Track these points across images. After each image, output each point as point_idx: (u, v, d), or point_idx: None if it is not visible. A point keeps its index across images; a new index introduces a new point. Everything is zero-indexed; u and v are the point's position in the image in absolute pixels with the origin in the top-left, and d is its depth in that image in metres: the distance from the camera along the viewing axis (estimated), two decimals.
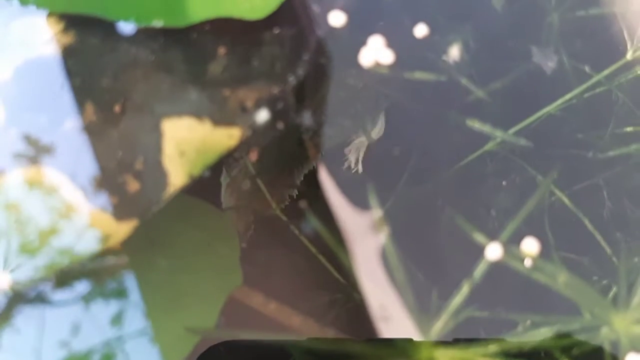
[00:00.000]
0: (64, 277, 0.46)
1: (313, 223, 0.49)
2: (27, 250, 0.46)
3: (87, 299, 0.47)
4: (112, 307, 0.47)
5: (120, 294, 0.48)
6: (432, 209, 0.52)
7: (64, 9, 0.48)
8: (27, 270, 0.46)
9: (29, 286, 0.46)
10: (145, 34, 0.48)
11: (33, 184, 0.46)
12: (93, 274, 0.47)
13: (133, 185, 0.46)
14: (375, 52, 0.49)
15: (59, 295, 0.46)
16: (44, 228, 0.46)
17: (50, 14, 0.48)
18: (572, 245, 0.52)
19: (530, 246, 0.49)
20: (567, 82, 0.53)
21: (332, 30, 0.50)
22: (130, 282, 0.48)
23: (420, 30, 0.50)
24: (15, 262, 0.46)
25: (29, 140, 0.47)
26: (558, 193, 0.52)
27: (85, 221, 0.46)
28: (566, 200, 0.52)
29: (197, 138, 0.47)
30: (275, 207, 0.50)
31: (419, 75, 0.50)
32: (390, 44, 0.49)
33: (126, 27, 0.48)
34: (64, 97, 0.48)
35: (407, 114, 0.51)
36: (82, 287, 0.46)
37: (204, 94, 0.48)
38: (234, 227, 0.50)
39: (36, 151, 0.47)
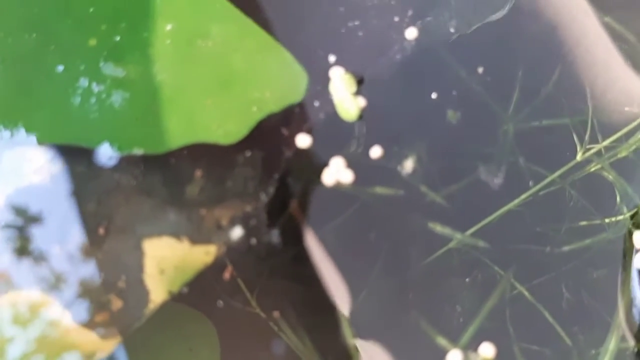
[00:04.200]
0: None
1: (288, 337, 0.49)
2: None
3: None
4: None
5: None
6: (402, 302, 0.52)
7: (52, 140, 0.49)
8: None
9: None
10: (126, 161, 0.49)
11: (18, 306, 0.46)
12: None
13: (116, 303, 0.46)
14: (337, 172, 0.50)
15: None
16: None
17: (39, 145, 0.49)
18: (533, 337, 0.52)
19: (487, 351, 0.49)
20: (523, 182, 0.53)
21: (299, 151, 0.50)
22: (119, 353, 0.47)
23: (376, 152, 0.51)
24: None
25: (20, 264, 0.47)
26: (519, 287, 0.52)
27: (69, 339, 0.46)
28: (527, 294, 0.52)
29: (176, 256, 0.48)
30: (255, 306, 0.50)
31: (379, 190, 0.51)
32: (350, 164, 0.50)
33: (109, 155, 0.49)
34: (52, 222, 0.48)
35: (373, 217, 0.52)
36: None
37: (182, 214, 0.48)
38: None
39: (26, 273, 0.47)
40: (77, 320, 0.46)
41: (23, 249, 0.48)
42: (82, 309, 0.47)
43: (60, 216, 0.48)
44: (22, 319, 0.46)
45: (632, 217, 0.52)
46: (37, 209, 0.48)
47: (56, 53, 0.51)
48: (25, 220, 0.48)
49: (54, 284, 0.47)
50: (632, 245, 0.51)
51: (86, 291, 0.47)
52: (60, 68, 0.51)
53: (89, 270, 0.47)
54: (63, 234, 0.48)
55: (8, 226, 0.48)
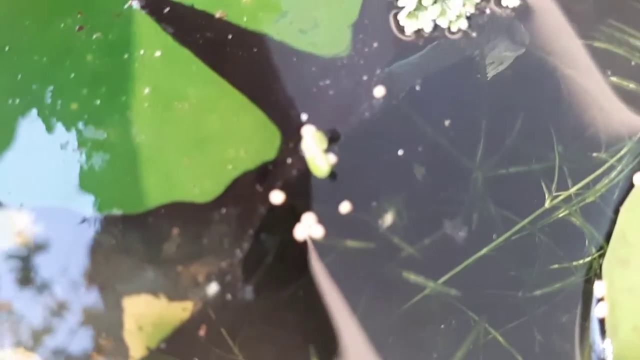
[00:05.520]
0: None
1: None
2: None
3: None
4: None
5: None
6: (379, 350, 0.52)
7: (34, 202, 0.50)
8: None
9: None
10: (106, 221, 0.50)
11: None
12: None
13: None
14: (308, 228, 0.51)
15: None
16: None
17: (21, 207, 0.50)
18: None
19: None
20: (494, 229, 0.54)
21: (273, 207, 0.51)
22: None
23: (345, 207, 0.52)
24: None
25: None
26: (493, 332, 0.53)
27: None
28: (500, 339, 0.52)
29: (154, 313, 0.49)
30: (237, 353, 0.51)
31: (350, 243, 0.52)
32: (321, 219, 0.51)
33: (89, 216, 0.50)
34: (36, 281, 0.49)
35: (347, 268, 0.52)
36: None
37: (159, 271, 0.49)
38: None
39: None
40: None
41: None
42: None
43: (44, 275, 0.49)
44: None
45: (599, 257, 0.53)
46: (20, 270, 0.49)
47: (39, 117, 0.52)
48: (12, 276, 0.49)
49: (36, 339, 0.48)
50: (592, 292, 0.52)
51: (67, 348, 0.48)
52: (43, 131, 0.52)
53: (70, 326, 0.48)
54: (45, 291, 0.49)
55: None
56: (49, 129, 0.52)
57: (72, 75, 0.53)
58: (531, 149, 0.55)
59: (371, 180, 0.53)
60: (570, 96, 0.57)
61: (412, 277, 0.53)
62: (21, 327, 0.48)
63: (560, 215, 0.55)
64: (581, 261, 0.53)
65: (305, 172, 0.53)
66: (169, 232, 0.50)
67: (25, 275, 0.49)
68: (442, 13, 0.55)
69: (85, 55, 0.53)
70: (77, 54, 0.54)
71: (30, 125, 0.52)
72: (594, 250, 0.53)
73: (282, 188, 0.52)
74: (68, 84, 0.53)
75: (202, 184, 0.51)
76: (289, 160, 0.53)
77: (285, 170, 0.53)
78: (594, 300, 0.52)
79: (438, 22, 0.56)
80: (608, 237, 0.53)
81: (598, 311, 0.51)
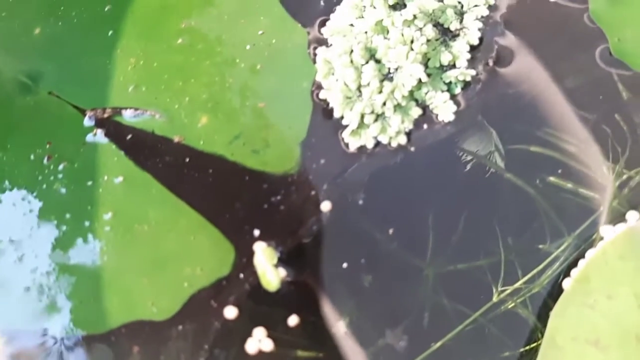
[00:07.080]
0: None
1: None
2: None
3: None
4: None
5: None
6: None
7: (8, 325, 0.53)
8: None
9: None
10: (71, 341, 0.53)
11: None
12: None
13: None
14: (259, 342, 0.53)
15: None
16: None
17: None
18: None
19: None
20: (447, 322, 0.56)
21: (227, 322, 0.54)
22: None
23: (293, 320, 0.54)
24: None
25: None
26: None
27: None
28: None
29: None
30: None
31: (301, 353, 0.54)
32: (271, 332, 0.54)
33: (56, 336, 0.53)
34: None
35: None
36: None
37: None
38: None
39: None
40: None
41: None
42: None
43: None
44: None
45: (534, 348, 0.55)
46: None
47: (11, 244, 0.56)
48: None
49: None
50: None
51: None
52: (14, 257, 0.55)
53: None
54: None
55: None
56: (20, 254, 0.56)
57: (41, 204, 0.57)
58: (478, 245, 0.58)
59: (321, 291, 0.56)
60: (511, 197, 0.59)
61: None
62: None
63: (509, 306, 0.57)
64: (527, 347, 0.55)
65: (257, 286, 0.55)
66: (129, 350, 0.53)
67: None
68: (383, 130, 0.59)
69: (52, 184, 0.57)
70: (46, 183, 0.57)
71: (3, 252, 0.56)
72: (539, 336, 0.55)
73: (235, 303, 0.55)
74: (36, 213, 0.56)
75: (160, 303, 0.54)
76: (242, 276, 0.56)
77: (239, 285, 0.56)
78: None
79: (379, 139, 0.59)
80: None
81: None
